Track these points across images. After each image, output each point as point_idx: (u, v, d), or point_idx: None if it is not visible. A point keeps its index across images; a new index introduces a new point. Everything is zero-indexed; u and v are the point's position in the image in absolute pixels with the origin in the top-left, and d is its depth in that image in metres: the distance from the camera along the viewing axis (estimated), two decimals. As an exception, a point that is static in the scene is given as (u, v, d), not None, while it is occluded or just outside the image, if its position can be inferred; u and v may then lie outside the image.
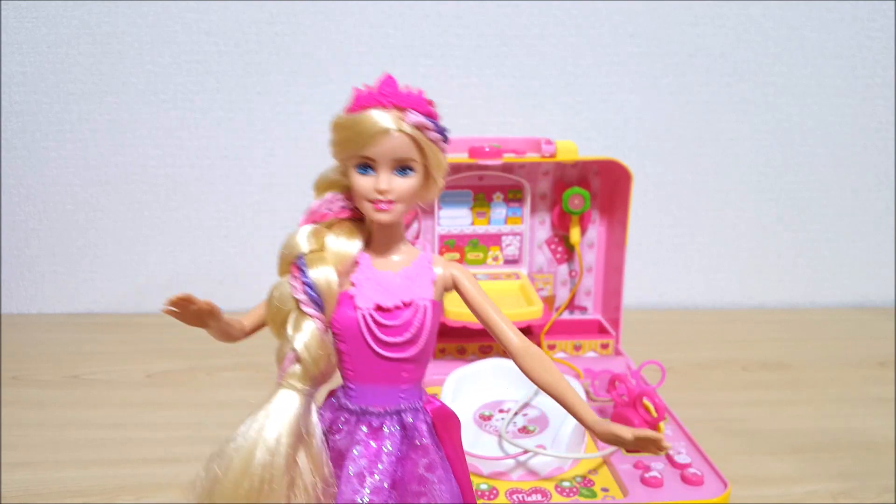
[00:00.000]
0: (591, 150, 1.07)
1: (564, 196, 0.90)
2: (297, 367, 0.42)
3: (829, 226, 1.19)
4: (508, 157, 0.86)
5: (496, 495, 0.63)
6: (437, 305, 0.45)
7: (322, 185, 0.46)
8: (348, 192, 0.45)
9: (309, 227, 0.45)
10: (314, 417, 0.44)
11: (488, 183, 0.92)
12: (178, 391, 0.89)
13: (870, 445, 0.76)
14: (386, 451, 0.44)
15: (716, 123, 1.13)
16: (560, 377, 0.44)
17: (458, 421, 0.48)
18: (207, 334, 0.45)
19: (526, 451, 0.66)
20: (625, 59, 1.09)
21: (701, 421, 0.77)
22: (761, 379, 0.93)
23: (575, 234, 0.92)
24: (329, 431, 0.46)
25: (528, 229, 0.94)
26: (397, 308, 0.44)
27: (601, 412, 0.78)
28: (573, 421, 0.67)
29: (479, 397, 0.79)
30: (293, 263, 0.44)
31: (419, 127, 0.42)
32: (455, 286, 0.46)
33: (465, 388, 0.78)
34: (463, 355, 0.92)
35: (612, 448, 0.69)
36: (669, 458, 0.68)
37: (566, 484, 0.65)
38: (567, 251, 0.96)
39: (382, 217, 0.43)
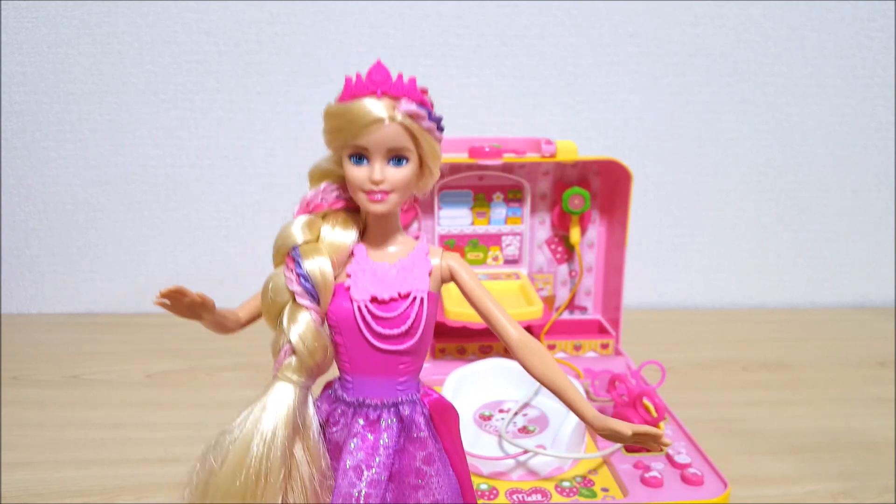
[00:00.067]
0: (591, 150, 1.08)
1: (564, 196, 0.90)
2: (292, 360, 0.42)
3: (829, 226, 1.19)
4: (508, 157, 0.86)
5: (496, 495, 0.63)
6: (434, 297, 0.45)
7: (316, 175, 0.46)
8: (343, 182, 0.45)
9: (304, 218, 0.44)
10: (311, 409, 0.44)
11: (488, 183, 0.92)
12: (178, 391, 0.89)
13: (870, 445, 0.76)
14: (383, 443, 0.44)
15: (716, 123, 1.13)
16: (558, 371, 0.44)
17: (456, 413, 0.48)
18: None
19: (526, 451, 0.66)
20: (625, 59, 1.09)
21: (701, 421, 0.77)
22: (761, 379, 0.93)
23: (575, 234, 0.92)
24: (326, 423, 0.45)
25: (528, 229, 0.94)
26: (393, 300, 0.43)
27: (601, 412, 0.78)
28: (573, 421, 0.67)
29: (479, 397, 0.79)
30: (288, 255, 0.43)
31: (413, 116, 0.41)
32: (452, 277, 0.45)
33: (465, 388, 0.78)
34: (463, 355, 0.92)
35: (612, 448, 0.69)
36: (669, 458, 0.68)
37: (566, 484, 0.65)
38: (567, 251, 0.96)
39: (377, 208, 0.43)
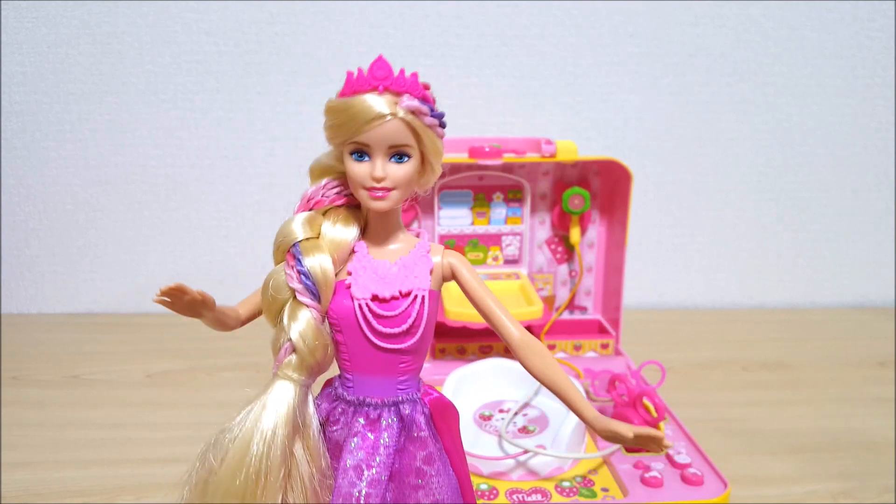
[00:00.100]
0: (591, 150, 1.08)
1: (564, 196, 0.90)
2: (293, 358, 0.42)
3: (829, 226, 1.19)
4: (508, 157, 0.86)
5: (496, 495, 0.63)
6: (435, 295, 0.44)
7: (317, 171, 0.45)
8: (344, 178, 0.44)
9: (304, 215, 0.44)
10: (311, 408, 0.43)
11: (488, 183, 0.92)
12: (178, 391, 0.89)
13: (870, 445, 0.76)
14: (384, 443, 0.44)
15: (716, 123, 1.13)
16: (560, 371, 0.44)
17: (457, 412, 0.47)
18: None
19: (526, 451, 0.66)
20: (625, 59, 1.09)
21: (701, 421, 0.77)
22: (761, 379, 0.93)
23: (575, 234, 0.92)
24: (326, 422, 0.45)
25: (528, 229, 0.94)
26: (394, 298, 0.43)
27: (601, 412, 0.78)
28: (573, 421, 0.67)
29: (479, 397, 0.79)
30: (288, 251, 0.43)
31: (415, 112, 0.41)
32: (454, 276, 0.45)
33: (465, 388, 0.78)
34: (463, 355, 0.92)
35: (612, 448, 0.69)
36: (669, 458, 0.68)
37: (566, 484, 0.65)
38: (567, 251, 0.96)
39: (379, 205, 0.42)
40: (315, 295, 0.42)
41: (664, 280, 1.20)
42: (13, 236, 1.14)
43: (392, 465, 0.44)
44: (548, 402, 0.77)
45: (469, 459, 0.65)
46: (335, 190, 0.45)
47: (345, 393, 0.45)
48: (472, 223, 0.92)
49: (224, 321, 0.44)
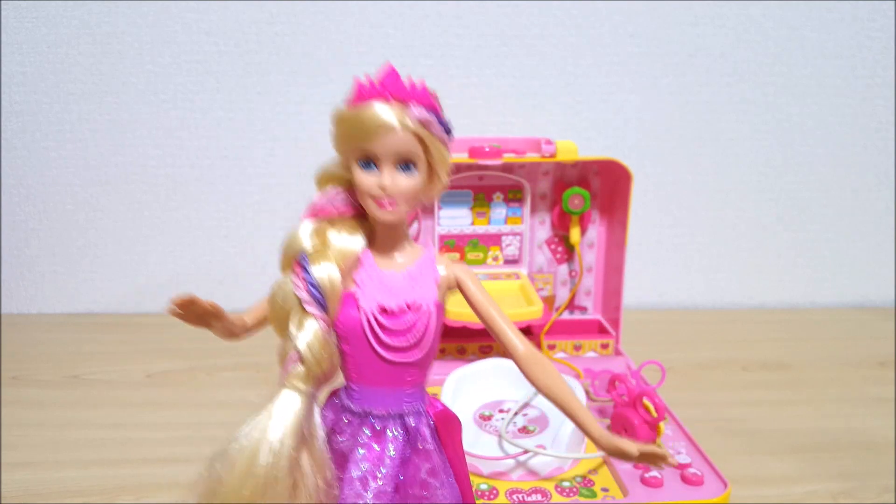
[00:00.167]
0: (591, 150, 1.07)
1: (564, 196, 0.90)
2: (299, 368, 0.42)
3: (829, 226, 1.19)
4: (508, 157, 0.86)
5: (496, 495, 0.63)
6: (441, 307, 0.45)
7: (324, 179, 0.45)
8: (351, 187, 0.44)
9: (311, 224, 0.44)
10: (317, 418, 0.43)
11: (488, 183, 0.92)
12: (178, 391, 0.89)
13: (870, 445, 0.76)
14: (389, 454, 0.44)
15: (716, 123, 1.13)
16: (565, 386, 0.43)
17: (460, 424, 0.47)
18: (207, 334, 0.44)
19: (526, 451, 0.66)
20: (625, 59, 1.09)
21: (701, 421, 0.77)
22: (761, 379, 0.93)
23: (575, 234, 0.92)
24: (331, 432, 0.45)
25: (528, 229, 0.94)
26: (402, 311, 0.43)
27: (601, 412, 0.78)
28: (573, 421, 0.67)
29: (479, 397, 0.79)
30: (295, 261, 0.43)
31: (423, 122, 0.41)
32: (459, 287, 0.45)
33: (465, 388, 0.78)
34: (463, 355, 0.92)
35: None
36: (669, 458, 0.68)
37: (566, 484, 0.65)
38: (567, 251, 0.96)
39: (386, 216, 0.42)
40: (322, 305, 0.42)
41: (664, 280, 1.20)
42: (13, 236, 1.14)
43: (397, 476, 0.44)
44: (548, 403, 0.77)
45: (469, 459, 0.65)
46: (342, 199, 0.44)
47: (350, 404, 0.45)
48: (472, 223, 0.92)
49: (232, 330, 0.44)
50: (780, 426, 0.80)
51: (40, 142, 1.09)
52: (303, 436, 0.42)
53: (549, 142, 0.85)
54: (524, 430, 0.73)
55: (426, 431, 0.45)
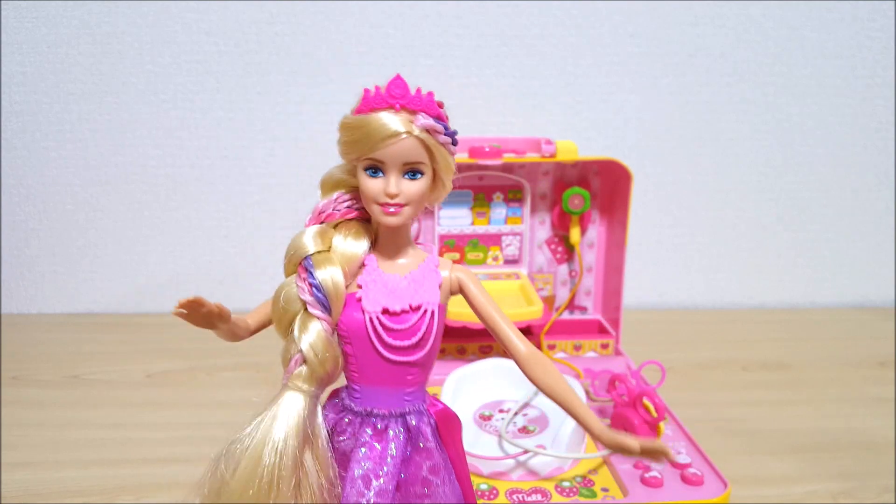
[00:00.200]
0: (591, 150, 1.08)
1: (564, 196, 0.90)
2: (303, 369, 0.42)
3: (829, 226, 1.19)
4: (508, 157, 0.86)
5: (496, 495, 0.63)
6: (444, 309, 0.45)
7: (329, 184, 0.46)
8: (355, 192, 0.45)
9: (315, 228, 0.44)
10: (320, 418, 0.44)
11: (488, 183, 0.92)
12: (178, 391, 0.89)
13: (870, 445, 0.76)
14: (391, 453, 0.44)
15: (716, 123, 1.13)
16: (566, 385, 0.44)
17: (460, 423, 0.48)
18: (207, 334, 0.44)
19: (526, 451, 0.66)
20: (625, 59, 1.09)
21: (701, 421, 0.77)
22: (761, 379, 0.93)
23: (575, 234, 0.92)
24: (333, 432, 0.45)
25: (528, 229, 0.94)
26: (405, 312, 0.43)
27: (601, 412, 0.78)
28: (573, 421, 0.67)
29: (479, 397, 0.79)
30: (300, 264, 0.43)
31: (429, 131, 0.42)
32: (461, 290, 0.46)
33: (465, 388, 0.78)
34: (463, 355, 0.92)
35: (612, 448, 0.69)
36: (669, 458, 0.68)
37: (566, 484, 0.65)
38: (567, 251, 0.96)
39: (392, 220, 0.43)
40: (326, 307, 0.43)
41: (664, 280, 1.20)
42: (13, 236, 1.14)
43: (398, 475, 0.44)
44: (548, 403, 0.77)
45: (469, 460, 0.65)
46: (346, 204, 0.45)
47: (352, 404, 0.45)
48: (472, 223, 0.93)
49: (236, 332, 0.45)
50: (780, 426, 0.80)
51: (40, 142, 1.09)
52: (306, 435, 0.42)
53: (549, 142, 0.85)
54: (524, 430, 0.73)
55: (427, 430, 0.45)
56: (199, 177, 1.11)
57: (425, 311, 0.43)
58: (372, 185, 0.42)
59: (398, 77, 0.42)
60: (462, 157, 0.86)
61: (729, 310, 1.20)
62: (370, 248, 0.45)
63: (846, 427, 0.80)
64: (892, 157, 1.15)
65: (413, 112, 0.41)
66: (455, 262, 0.48)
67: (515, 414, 0.76)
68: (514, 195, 0.92)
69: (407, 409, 0.45)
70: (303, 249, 0.43)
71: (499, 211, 0.93)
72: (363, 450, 0.44)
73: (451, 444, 0.47)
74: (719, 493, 0.63)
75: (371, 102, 0.42)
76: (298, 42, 1.06)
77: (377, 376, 0.44)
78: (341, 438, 0.45)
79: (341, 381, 0.47)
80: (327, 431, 0.44)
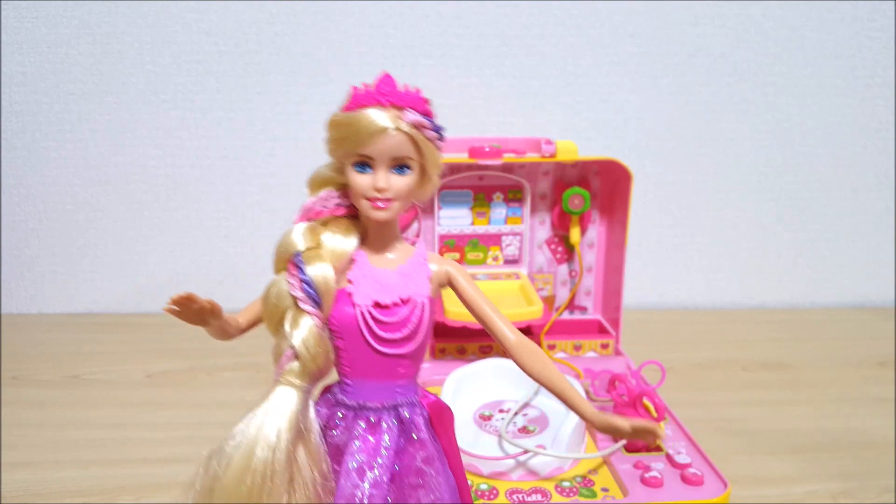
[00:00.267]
0: (591, 150, 1.08)
1: (564, 196, 0.90)
2: (295, 364, 0.42)
3: (829, 226, 1.19)
4: (508, 157, 0.86)
5: (496, 495, 0.63)
6: (433, 302, 0.46)
7: (316, 183, 0.46)
8: (343, 190, 0.45)
9: (304, 225, 0.45)
10: (312, 413, 0.44)
11: (488, 183, 0.92)
12: (178, 391, 0.89)
13: (870, 445, 0.76)
14: (384, 445, 0.44)
15: (716, 123, 1.13)
16: (556, 371, 0.45)
17: (452, 414, 0.48)
18: (207, 334, 0.45)
19: (526, 451, 0.66)
20: (625, 59, 1.09)
21: (701, 421, 0.77)
22: (761, 379, 0.93)
23: (575, 234, 0.92)
24: (326, 427, 0.46)
25: (528, 229, 0.94)
26: (395, 305, 0.44)
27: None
28: (573, 421, 0.68)
29: (479, 397, 0.79)
30: (290, 261, 0.44)
31: (417, 126, 0.42)
32: (450, 283, 0.46)
33: (465, 388, 0.78)
34: (463, 355, 0.92)
35: (612, 448, 0.69)
36: (669, 458, 0.68)
37: (566, 484, 0.65)
38: (567, 251, 0.96)
39: (380, 215, 0.43)
40: (317, 303, 0.43)
41: (664, 280, 1.20)
42: (13, 236, 1.14)
43: (392, 466, 0.45)
44: (548, 402, 0.77)
45: (469, 459, 0.65)
46: (335, 201, 0.46)
47: (344, 398, 0.46)
48: (472, 223, 0.92)
49: (227, 330, 0.45)
50: (780, 426, 0.80)
51: (40, 142, 1.09)
52: (299, 430, 0.42)
53: (549, 142, 0.85)
54: (524, 430, 0.73)
55: (420, 421, 0.46)
56: (199, 177, 1.11)
57: (416, 304, 0.44)
58: (361, 181, 0.43)
59: (386, 74, 0.43)
60: (462, 157, 0.86)
61: (729, 310, 1.20)
62: (359, 244, 0.46)
63: (846, 427, 0.80)
64: (892, 157, 1.15)
65: (401, 108, 0.42)
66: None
67: (515, 414, 0.76)
68: (514, 195, 0.92)
69: (399, 402, 0.46)
70: (292, 246, 0.44)
71: (499, 211, 0.93)
72: (357, 443, 0.44)
73: (443, 435, 0.47)
74: (719, 493, 0.63)
75: (359, 99, 0.42)
76: (298, 42, 1.06)
77: (369, 370, 0.45)
78: (334, 433, 0.46)
79: (333, 378, 0.47)
80: (320, 426, 0.45)
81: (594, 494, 0.63)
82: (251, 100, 1.08)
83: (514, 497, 0.63)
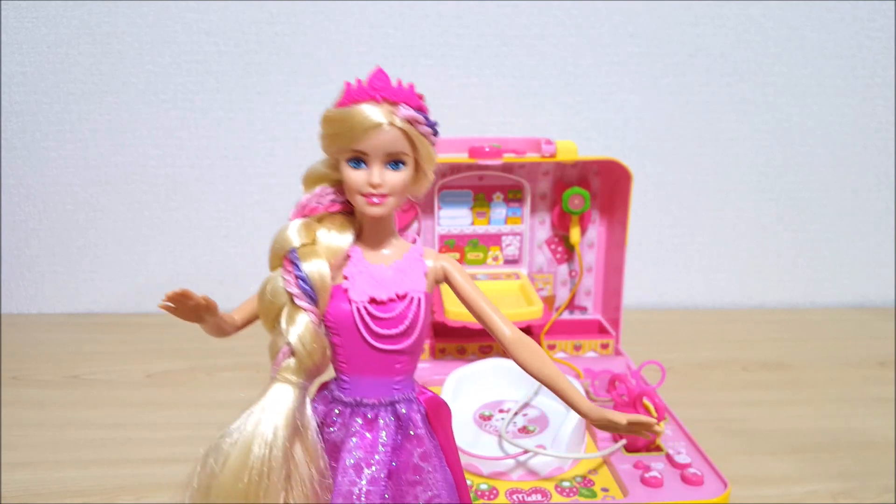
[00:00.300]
0: (591, 150, 1.08)
1: (564, 196, 0.90)
2: (291, 361, 0.43)
3: (829, 226, 1.19)
4: (508, 157, 0.86)
5: (496, 495, 0.63)
6: (430, 297, 0.46)
7: (311, 179, 0.46)
8: (338, 186, 0.45)
9: (299, 221, 0.45)
10: (308, 410, 0.44)
11: (488, 183, 0.92)
12: (178, 391, 0.89)
13: (870, 445, 0.76)
14: (381, 441, 0.44)
15: (716, 123, 1.13)
16: (553, 366, 0.45)
17: (449, 410, 0.48)
18: (207, 334, 0.45)
19: (526, 451, 0.66)
20: (625, 59, 1.09)
21: (701, 421, 0.77)
22: (761, 379, 0.93)
23: (575, 234, 0.92)
24: (323, 424, 0.46)
25: (528, 229, 0.94)
26: (391, 301, 0.44)
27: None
28: (573, 421, 0.68)
29: (479, 397, 0.79)
30: (285, 257, 0.44)
31: (411, 121, 0.42)
32: (446, 279, 0.46)
33: (465, 388, 0.78)
34: (463, 355, 0.92)
35: (612, 448, 0.69)
36: (669, 458, 0.68)
37: (566, 484, 0.65)
38: (567, 251, 0.96)
39: (375, 211, 0.43)
40: (313, 299, 0.43)
41: (664, 280, 1.20)
42: (13, 236, 1.14)
43: (390, 463, 0.45)
44: (548, 402, 0.77)
45: (469, 459, 0.65)
46: (329, 197, 0.46)
47: (341, 395, 0.46)
48: (472, 223, 0.92)
49: (222, 327, 0.45)
50: (780, 426, 0.80)
51: (40, 142, 1.09)
52: (296, 427, 0.42)
53: (549, 142, 0.85)
54: (524, 430, 0.73)
55: (417, 417, 0.46)
56: (199, 177, 1.11)
57: (412, 299, 0.44)
58: (355, 177, 0.43)
59: (379, 70, 0.43)
60: (462, 157, 0.86)
61: (729, 310, 1.20)
62: (354, 241, 0.45)
63: (846, 427, 0.80)
64: (892, 157, 1.15)
65: (394, 103, 0.42)
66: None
67: (515, 414, 0.76)
68: (514, 195, 0.92)
69: (396, 398, 0.45)
70: (287, 243, 0.44)
71: (499, 211, 0.93)
72: (354, 439, 0.44)
73: (440, 431, 0.47)
74: (719, 493, 0.63)
75: (353, 95, 0.42)
76: (298, 42, 1.06)
77: (366, 366, 0.45)
78: (331, 429, 0.46)
79: (329, 374, 0.47)
80: (317, 423, 0.45)
81: (594, 494, 0.63)
82: (251, 100, 1.08)
83: (514, 497, 0.63)
